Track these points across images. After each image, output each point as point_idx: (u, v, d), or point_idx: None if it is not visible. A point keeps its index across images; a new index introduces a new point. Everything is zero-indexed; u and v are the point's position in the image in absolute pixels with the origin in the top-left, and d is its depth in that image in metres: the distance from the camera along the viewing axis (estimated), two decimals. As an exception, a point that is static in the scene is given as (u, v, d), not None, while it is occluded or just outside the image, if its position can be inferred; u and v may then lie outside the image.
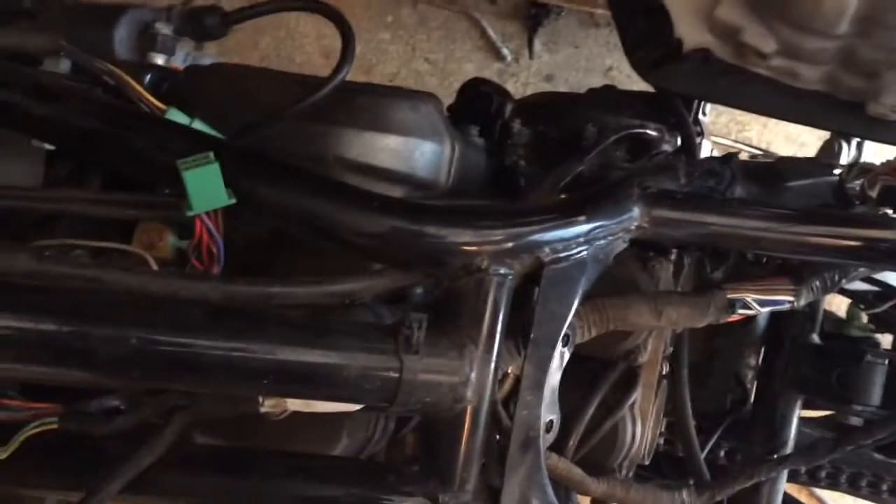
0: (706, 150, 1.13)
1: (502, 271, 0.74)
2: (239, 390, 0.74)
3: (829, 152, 1.19)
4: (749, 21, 0.89)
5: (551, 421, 0.80)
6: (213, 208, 0.72)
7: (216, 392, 0.75)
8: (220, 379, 0.71)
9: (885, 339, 1.16)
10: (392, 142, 0.87)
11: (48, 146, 0.84)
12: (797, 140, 1.94)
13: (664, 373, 1.01)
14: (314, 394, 0.74)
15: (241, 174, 0.73)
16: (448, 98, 1.07)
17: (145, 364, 0.70)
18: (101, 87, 0.83)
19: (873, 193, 0.93)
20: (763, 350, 1.16)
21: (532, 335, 0.76)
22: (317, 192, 0.75)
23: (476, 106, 1.05)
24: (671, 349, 1.02)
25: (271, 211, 0.76)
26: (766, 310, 0.89)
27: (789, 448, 1.09)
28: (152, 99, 0.80)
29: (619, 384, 0.97)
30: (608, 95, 1.13)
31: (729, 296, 0.86)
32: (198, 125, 0.80)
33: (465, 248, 0.74)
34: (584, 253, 0.77)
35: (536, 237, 0.76)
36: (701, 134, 1.10)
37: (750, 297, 0.86)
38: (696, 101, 1.09)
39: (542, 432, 0.77)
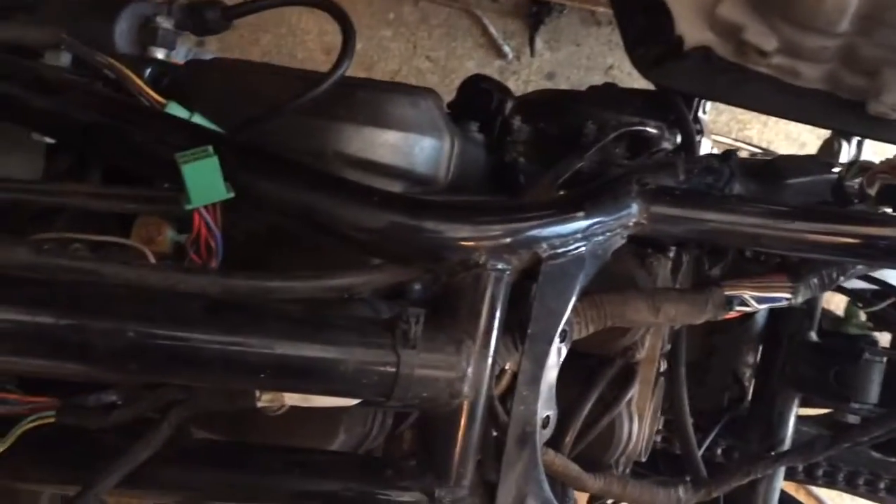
0: (706, 148, 1.13)
1: (500, 267, 0.75)
2: (236, 384, 0.75)
3: (828, 151, 1.19)
4: (750, 19, 0.89)
5: (548, 417, 0.80)
6: (212, 202, 0.72)
7: (213, 386, 0.75)
8: (217, 373, 0.72)
9: (884, 338, 1.16)
10: (392, 137, 0.87)
11: (48, 139, 0.84)
12: (798, 139, 1.94)
13: (662, 370, 1.01)
14: (311, 388, 0.74)
15: (240, 168, 0.74)
16: (449, 96, 1.07)
17: (143, 357, 0.70)
18: (102, 81, 0.83)
19: (872, 192, 0.93)
20: (761, 348, 1.16)
21: (529, 331, 0.76)
22: (316, 187, 0.75)
23: (476, 103, 1.05)
24: (669, 346, 1.02)
25: (270, 205, 0.76)
26: (764, 307, 0.89)
27: (786, 446, 1.09)
28: (152, 93, 0.80)
29: (617, 381, 0.97)
30: (608, 93, 1.13)
31: (727, 293, 0.86)
32: (197, 119, 0.80)
33: (463, 243, 0.74)
34: (582, 249, 0.77)
35: (534, 233, 0.76)
36: (701, 132, 1.10)
37: (748, 294, 0.86)
38: (696, 99, 1.09)
39: (538, 428, 0.78)
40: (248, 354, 0.71)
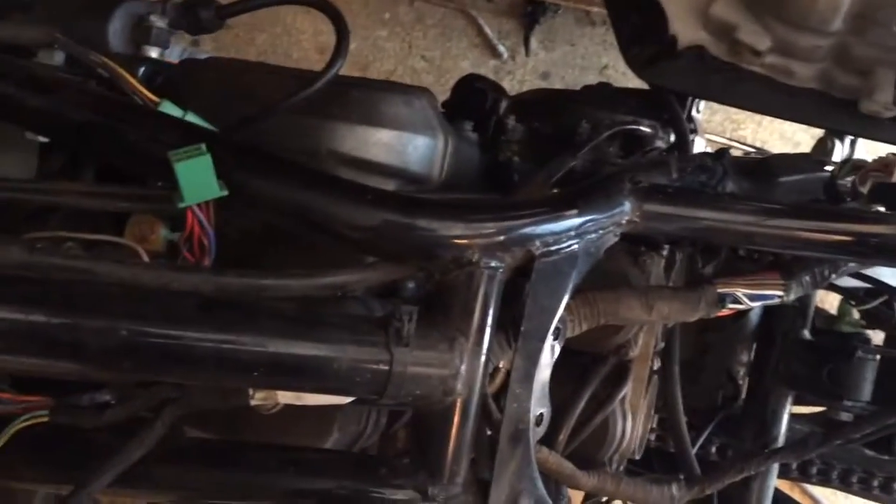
0: (700, 147, 1.14)
1: (493, 264, 0.75)
2: (229, 382, 0.75)
3: (822, 150, 1.19)
4: (744, 18, 0.90)
5: (541, 414, 0.80)
6: (205, 200, 0.72)
7: (206, 384, 0.75)
8: (210, 371, 0.72)
9: (877, 336, 1.16)
10: (385, 136, 0.88)
11: (42, 138, 0.84)
12: (792, 138, 1.95)
13: (655, 368, 1.02)
14: (304, 386, 0.74)
15: (233, 166, 0.74)
16: (444, 95, 1.07)
17: (136, 356, 0.70)
18: (96, 80, 0.83)
19: (864, 190, 0.94)
20: (755, 346, 1.16)
21: (522, 328, 0.76)
22: (309, 185, 0.76)
23: (471, 102, 1.05)
24: (662, 344, 1.02)
25: (263, 203, 0.76)
26: (757, 304, 0.90)
27: (780, 444, 1.09)
28: (146, 91, 0.80)
29: (610, 378, 0.97)
30: (602, 92, 1.13)
31: (719, 290, 0.87)
32: (191, 118, 0.80)
33: (457, 241, 0.74)
34: (575, 246, 0.77)
35: (527, 230, 0.76)
36: (695, 131, 1.10)
37: (740, 292, 0.87)
38: (690, 99, 1.10)
39: (531, 425, 0.78)
40: (242, 352, 0.71)
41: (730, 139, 1.87)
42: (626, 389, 0.97)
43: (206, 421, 0.88)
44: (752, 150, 1.82)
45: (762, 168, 1.02)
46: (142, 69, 0.87)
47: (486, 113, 1.04)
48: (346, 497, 0.79)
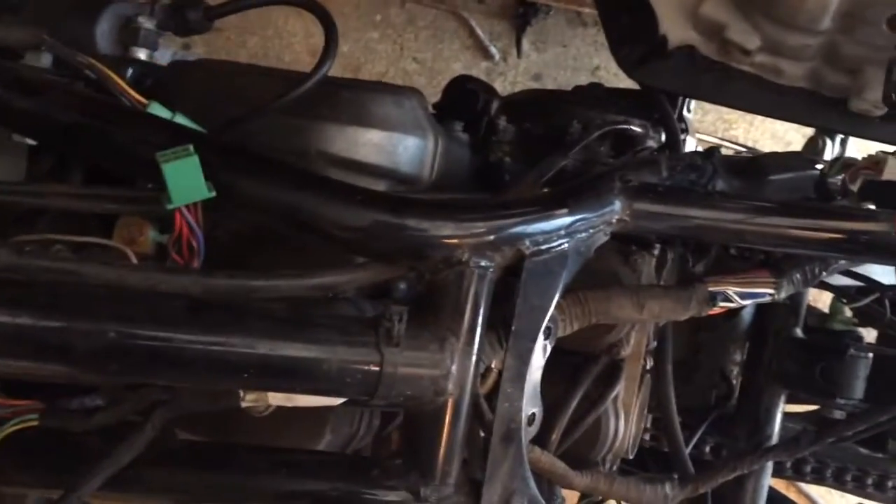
0: (692, 147, 1.14)
1: (483, 264, 0.75)
2: (219, 384, 0.74)
3: (813, 148, 1.20)
4: (733, 18, 0.90)
5: (533, 414, 0.80)
6: (193, 201, 0.72)
7: (196, 386, 0.75)
8: (199, 373, 0.71)
9: (870, 335, 1.17)
10: (375, 136, 0.87)
11: (30, 141, 0.83)
12: (783, 138, 1.95)
13: (648, 367, 1.02)
14: (294, 387, 0.74)
15: (221, 167, 0.73)
16: (436, 97, 1.07)
17: (124, 358, 0.70)
18: (84, 82, 0.83)
19: (854, 187, 0.94)
20: (747, 345, 1.16)
21: (513, 328, 0.76)
22: (298, 186, 0.75)
23: (462, 103, 1.05)
24: (655, 343, 1.02)
25: (252, 204, 0.75)
26: (748, 302, 0.90)
27: (774, 442, 1.09)
28: (134, 93, 0.80)
29: (602, 378, 0.97)
30: (593, 92, 1.14)
31: (710, 289, 0.87)
32: (180, 119, 0.80)
33: (446, 240, 0.74)
34: (566, 245, 0.77)
35: (517, 229, 0.76)
36: (686, 130, 1.11)
37: (731, 290, 0.87)
38: (680, 98, 1.10)
39: (523, 425, 0.77)
40: (231, 354, 0.71)
41: (721, 139, 1.88)
42: (619, 389, 0.97)
43: (198, 424, 0.88)
44: (744, 149, 1.83)
45: (752, 166, 1.02)
46: (130, 71, 0.87)
47: (478, 113, 1.04)
48: (338, 499, 0.78)
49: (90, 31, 0.88)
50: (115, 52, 0.90)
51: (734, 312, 1.13)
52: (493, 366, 0.78)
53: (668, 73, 0.96)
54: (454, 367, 0.74)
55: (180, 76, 0.91)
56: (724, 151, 1.06)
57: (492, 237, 0.75)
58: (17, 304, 0.68)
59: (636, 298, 0.86)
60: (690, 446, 1.08)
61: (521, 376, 0.77)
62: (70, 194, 0.79)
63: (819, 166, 1.05)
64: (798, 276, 0.88)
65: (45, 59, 0.83)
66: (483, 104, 1.04)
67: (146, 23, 0.88)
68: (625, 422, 0.98)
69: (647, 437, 1.11)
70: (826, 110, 0.95)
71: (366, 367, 0.72)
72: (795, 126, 1.78)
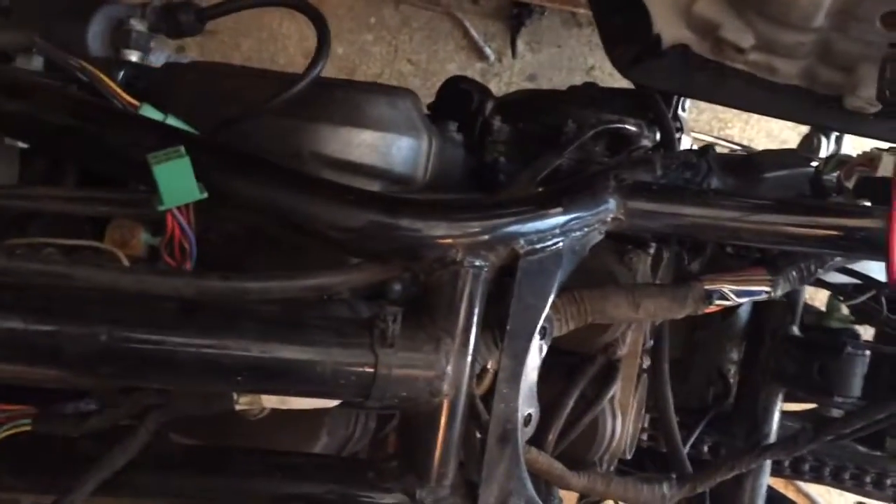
0: (687, 146, 1.13)
1: (477, 263, 0.74)
2: (212, 387, 0.74)
3: (808, 146, 1.19)
4: (727, 16, 0.90)
5: (529, 415, 0.80)
6: (185, 203, 0.71)
7: (189, 389, 0.74)
8: (192, 376, 0.71)
9: (867, 332, 1.16)
10: (369, 137, 0.87)
11: (22, 144, 0.83)
12: (778, 136, 1.96)
13: (644, 367, 1.01)
14: (288, 389, 0.74)
15: (213, 168, 0.73)
16: (431, 98, 1.07)
17: (116, 361, 0.69)
18: (75, 84, 0.82)
19: (850, 184, 0.94)
20: (744, 344, 1.16)
21: (508, 327, 0.76)
22: (291, 186, 0.75)
23: (456, 103, 1.05)
24: (651, 343, 1.02)
25: (245, 205, 0.75)
26: (744, 300, 0.89)
27: (772, 441, 1.09)
28: (125, 95, 0.79)
29: (599, 378, 0.97)
30: (588, 92, 1.14)
31: (706, 287, 0.86)
32: (172, 121, 0.80)
33: (441, 240, 0.74)
34: (560, 245, 0.77)
35: (512, 229, 0.76)
36: (681, 129, 1.10)
37: (727, 288, 0.86)
38: (675, 97, 1.10)
39: (519, 425, 0.77)
40: (224, 357, 0.70)
41: (717, 137, 1.88)
42: (615, 389, 0.97)
43: (193, 428, 0.87)
44: (739, 148, 1.83)
45: (747, 164, 1.02)
46: (122, 73, 0.87)
47: (472, 114, 1.04)
48: (334, 501, 0.78)
49: (81, 33, 0.87)
50: (106, 54, 0.89)
51: (731, 311, 1.13)
52: (488, 366, 0.78)
53: (663, 72, 0.96)
54: (449, 368, 0.74)
55: (173, 78, 0.90)
56: (719, 150, 1.05)
57: (486, 237, 0.75)
58: (9, 307, 0.68)
59: (632, 297, 0.86)
60: (688, 446, 1.08)
61: (516, 376, 0.77)
62: (62, 197, 0.79)
63: (814, 164, 1.05)
64: (794, 273, 0.88)
65: (37, 62, 0.83)
66: (477, 104, 1.04)
67: (137, 25, 0.88)
68: (622, 422, 0.98)
69: (644, 436, 1.11)
70: (821, 108, 0.94)
71: (360, 369, 0.72)
72: (790, 124, 1.78)
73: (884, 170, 0.93)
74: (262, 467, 0.80)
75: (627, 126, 1.03)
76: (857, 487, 1.18)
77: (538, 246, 0.76)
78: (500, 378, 0.76)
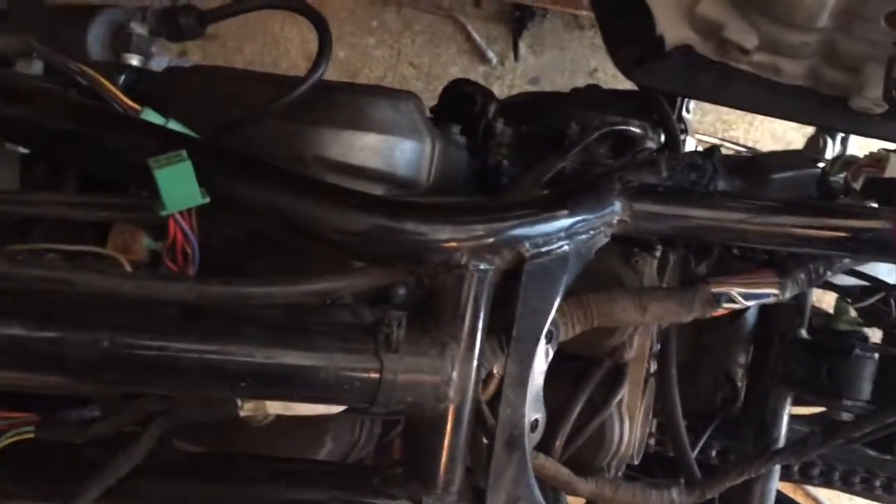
0: (691, 147, 1.13)
1: (482, 267, 0.74)
2: (216, 393, 0.73)
3: (814, 148, 1.19)
4: (731, 17, 0.89)
5: (536, 420, 0.79)
6: (187, 207, 0.71)
7: (193, 395, 0.74)
8: (196, 382, 0.70)
9: (876, 334, 1.15)
10: (372, 140, 0.87)
11: (22, 149, 0.82)
12: (783, 138, 1.95)
13: (652, 371, 1.00)
14: (292, 395, 0.73)
15: (215, 172, 0.72)
16: (434, 102, 1.07)
17: (119, 368, 0.69)
18: (76, 89, 0.82)
19: (857, 185, 0.93)
20: (752, 347, 1.15)
21: (514, 331, 0.75)
22: (294, 190, 0.74)
23: (459, 106, 1.04)
24: (658, 346, 1.01)
25: (248, 209, 0.75)
26: (752, 303, 0.89)
27: (781, 445, 1.08)
28: (126, 99, 0.79)
29: (606, 382, 0.96)
30: (591, 94, 1.13)
31: (713, 290, 0.86)
32: (173, 125, 0.79)
33: (445, 244, 0.73)
34: (566, 248, 0.76)
35: (517, 231, 0.75)
36: (685, 131, 1.10)
37: (735, 291, 0.86)
38: (679, 99, 1.09)
39: (526, 431, 0.76)
40: (227, 362, 0.70)
41: (722, 139, 1.87)
42: (623, 393, 0.96)
43: (198, 435, 0.87)
44: (744, 149, 1.82)
45: (753, 165, 1.01)
46: (122, 77, 0.86)
47: (475, 117, 1.03)
48: (339, 508, 0.77)
49: (82, 37, 0.87)
50: (107, 58, 0.89)
51: (738, 314, 1.12)
52: (494, 371, 0.77)
53: (666, 73, 0.95)
54: (455, 373, 0.73)
55: (175, 82, 0.90)
56: (724, 152, 1.05)
57: (491, 240, 0.74)
58: (11, 314, 0.68)
59: (639, 300, 0.85)
60: (696, 451, 1.07)
61: (523, 381, 0.76)
62: (63, 202, 0.78)
63: (821, 165, 1.04)
64: (802, 275, 0.87)
65: (37, 67, 0.82)
66: (480, 107, 1.04)
67: (138, 29, 0.88)
68: (630, 426, 0.97)
69: (652, 441, 1.10)
70: (826, 108, 0.94)
71: (365, 375, 0.71)
72: (795, 125, 1.78)
73: (891, 171, 0.92)
74: (266, 474, 0.79)
75: (631, 128, 1.02)
76: (866, 491, 1.17)
77: (543, 249, 0.75)
78: (507, 383, 0.76)
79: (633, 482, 0.94)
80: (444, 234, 0.74)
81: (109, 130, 0.76)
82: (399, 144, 0.88)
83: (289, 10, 0.88)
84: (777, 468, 1.08)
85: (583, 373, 0.96)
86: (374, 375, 0.71)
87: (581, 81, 1.84)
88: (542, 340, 0.77)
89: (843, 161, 1.01)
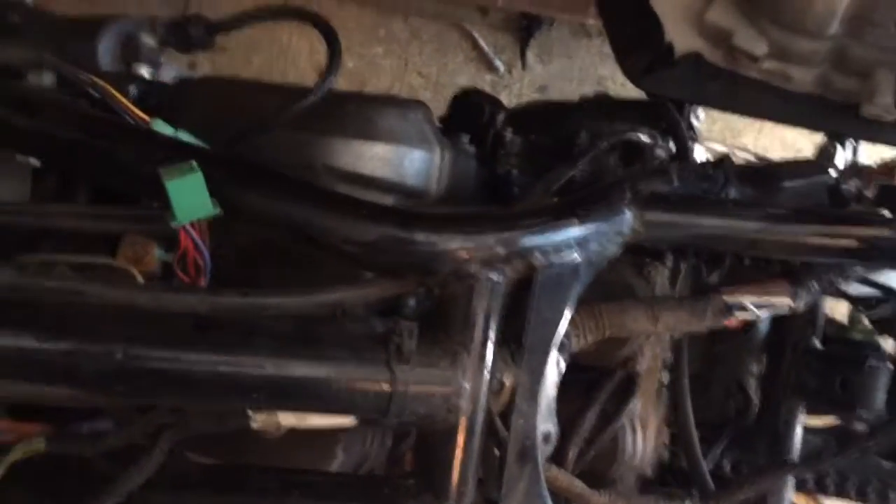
0: (701, 156, 1.12)
1: (493, 277, 0.73)
2: (228, 405, 0.73)
3: (824, 155, 1.18)
4: (740, 24, 0.89)
5: (549, 431, 0.78)
6: (198, 218, 0.71)
7: (205, 407, 0.73)
8: (208, 393, 0.70)
9: (889, 344, 1.14)
10: (381, 150, 0.87)
11: (34, 161, 0.83)
12: (793, 145, 1.94)
13: (664, 381, 1.00)
14: (304, 407, 0.73)
15: (226, 183, 0.72)
16: (442, 111, 1.06)
17: (131, 379, 0.69)
18: (86, 100, 0.82)
19: (869, 193, 0.92)
20: (765, 357, 1.14)
21: (525, 342, 0.75)
22: (305, 200, 0.74)
23: (468, 115, 1.04)
24: (671, 356, 1.00)
25: (259, 220, 0.75)
26: (764, 312, 0.88)
27: (794, 456, 1.07)
28: (136, 110, 0.79)
29: (618, 393, 0.95)
30: (600, 103, 1.13)
31: (726, 299, 0.85)
32: (183, 136, 0.79)
33: (455, 253, 0.73)
34: (577, 257, 0.76)
35: (527, 241, 0.75)
36: (695, 139, 1.09)
37: (747, 300, 0.85)
38: (688, 106, 1.09)
39: (539, 442, 0.76)
40: (239, 374, 0.70)
41: (730, 147, 1.86)
42: (635, 404, 0.95)
43: (210, 447, 0.86)
44: (754, 157, 1.81)
45: (765, 174, 1.00)
46: (133, 88, 0.87)
47: (484, 126, 1.03)
48: (350, 520, 0.77)
49: (92, 48, 0.87)
50: (117, 69, 0.89)
51: (750, 323, 1.11)
52: (506, 382, 0.77)
53: (675, 81, 0.95)
54: (467, 384, 0.73)
55: (185, 93, 0.90)
56: (734, 160, 1.04)
57: (501, 250, 0.74)
58: (23, 325, 0.68)
59: (651, 311, 0.85)
60: (710, 462, 1.06)
61: (535, 392, 0.75)
62: (74, 214, 0.78)
63: (832, 173, 1.04)
64: (815, 284, 0.86)
65: (48, 78, 0.83)
66: (489, 116, 1.04)
67: (148, 39, 0.88)
68: (643, 437, 0.96)
69: (664, 453, 1.09)
70: (837, 116, 0.93)
71: (376, 386, 0.71)
72: (805, 133, 1.76)
73: (904, 178, 0.92)
74: (278, 485, 0.79)
75: (641, 137, 1.02)
76: (881, 502, 1.15)
77: (555, 259, 0.75)
78: (518, 394, 0.75)
79: (646, 495, 0.93)
80: (455, 244, 0.73)
81: (120, 142, 0.76)
82: (408, 154, 0.88)
83: (299, 21, 0.88)
84: (791, 480, 1.07)
85: (595, 383, 0.95)
86: (386, 386, 0.71)
87: (589, 90, 1.83)
88: (554, 351, 0.76)
89: (855, 169, 1.01)
